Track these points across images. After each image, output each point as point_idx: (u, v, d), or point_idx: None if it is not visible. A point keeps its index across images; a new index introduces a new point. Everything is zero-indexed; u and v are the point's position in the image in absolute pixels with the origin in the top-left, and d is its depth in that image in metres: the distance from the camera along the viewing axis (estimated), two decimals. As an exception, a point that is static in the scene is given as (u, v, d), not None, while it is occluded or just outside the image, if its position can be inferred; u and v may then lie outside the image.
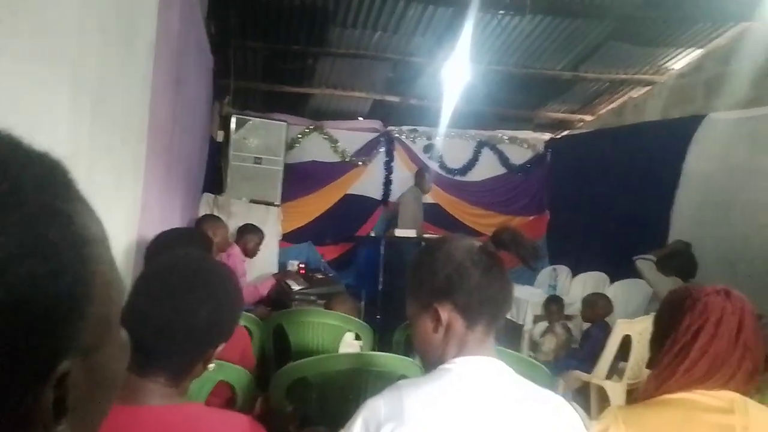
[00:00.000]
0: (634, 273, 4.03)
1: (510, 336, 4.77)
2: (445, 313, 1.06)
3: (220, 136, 5.23)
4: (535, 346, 4.02)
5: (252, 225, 4.13)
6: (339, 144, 6.08)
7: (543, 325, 4.09)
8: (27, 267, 0.33)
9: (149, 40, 2.13)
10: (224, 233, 3.35)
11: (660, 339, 1.23)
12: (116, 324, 0.44)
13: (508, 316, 4.88)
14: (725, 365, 1.14)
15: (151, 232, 2.18)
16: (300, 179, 5.76)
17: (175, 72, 2.85)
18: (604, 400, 3.25)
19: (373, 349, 2.70)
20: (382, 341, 3.07)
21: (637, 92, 5.65)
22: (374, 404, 1.01)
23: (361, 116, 6.45)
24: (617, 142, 5.48)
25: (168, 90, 2.71)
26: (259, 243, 4.06)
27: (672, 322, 1.20)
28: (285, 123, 5.38)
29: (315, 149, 6.03)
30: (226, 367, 1.71)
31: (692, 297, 1.20)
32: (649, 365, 1.26)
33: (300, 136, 5.98)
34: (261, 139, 5.31)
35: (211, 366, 1.10)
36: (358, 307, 4.39)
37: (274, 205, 5.13)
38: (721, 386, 1.15)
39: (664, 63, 5.11)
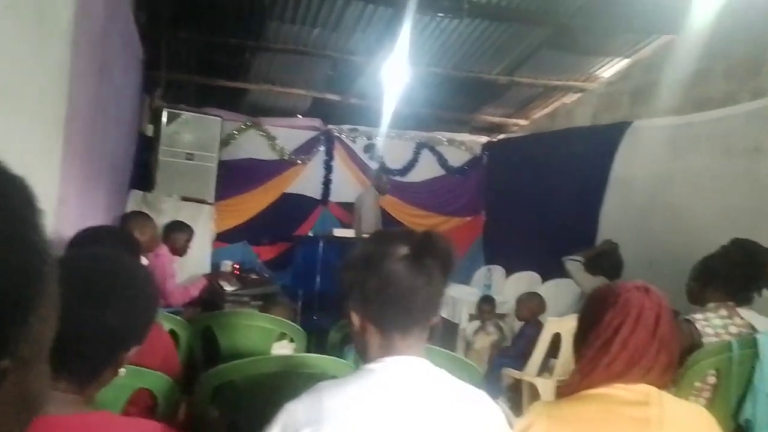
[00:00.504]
0: (565, 273, 4.17)
1: (446, 335, 4.83)
2: (357, 318, 1.05)
3: (149, 130, 5.00)
4: (468, 345, 4.08)
5: (179, 222, 3.93)
6: (277, 141, 5.95)
7: (476, 324, 4.15)
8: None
9: (66, 21, 1.98)
10: (152, 232, 3.18)
11: (584, 334, 1.25)
12: (48, 345, 0.47)
13: (445, 315, 4.94)
14: (643, 358, 1.17)
15: (71, 227, 2.04)
16: (235, 177, 5.59)
17: (99, 59, 2.69)
18: (535, 396, 3.33)
19: (307, 352, 2.64)
20: (320, 342, 3.02)
21: (569, 98, 5.87)
22: (293, 408, 0.97)
23: (300, 114, 6.36)
24: (550, 147, 5.66)
25: (89, 78, 2.54)
26: (189, 240, 3.87)
27: (595, 318, 1.23)
28: (220, 118, 5.21)
29: (252, 146, 5.88)
30: (145, 374, 1.60)
31: (614, 293, 1.23)
32: (575, 352, 1.29)
33: (236, 132, 5.81)
34: (194, 135, 5.11)
35: (122, 371, 1.02)
36: (294, 309, 4.32)
37: (207, 203, 4.95)
38: (640, 379, 1.19)
39: (594, 71, 5.33)
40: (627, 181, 4.64)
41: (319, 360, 1.94)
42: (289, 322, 2.64)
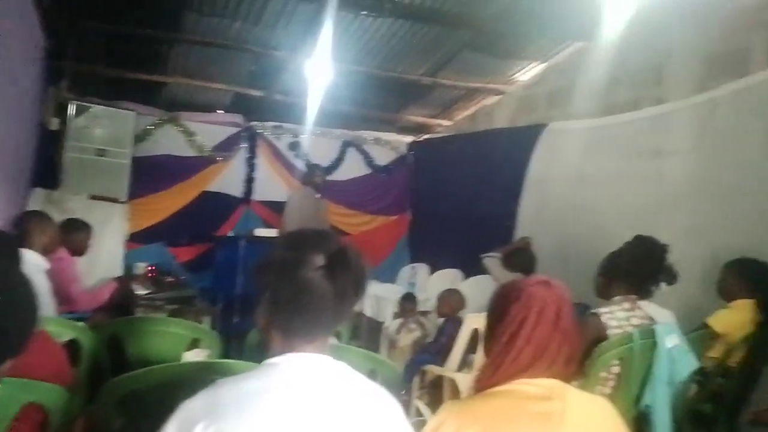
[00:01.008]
0: (485, 270, 4.29)
1: (371, 333, 4.84)
2: (263, 319, 1.07)
3: (54, 124, 4.66)
4: (392, 343, 4.11)
5: (74, 220, 3.58)
6: (196, 137, 5.71)
7: (398, 321, 4.19)
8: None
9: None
10: (52, 233, 2.94)
11: (491, 330, 1.27)
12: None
13: (370, 314, 4.94)
14: (547, 351, 1.21)
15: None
16: (151, 174, 5.33)
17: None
18: (455, 392, 3.39)
19: (226, 357, 2.55)
20: (240, 347, 2.93)
21: (489, 100, 6.04)
22: (190, 404, 0.97)
23: (221, 109, 6.15)
24: (472, 147, 5.81)
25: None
26: (88, 239, 3.55)
27: (500, 313, 1.25)
28: (133, 112, 4.95)
29: (169, 142, 5.61)
30: (33, 387, 1.48)
31: (517, 289, 1.26)
32: (484, 349, 1.31)
33: (152, 127, 5.52)
34: (105, 129, 4.83)
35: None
36: (213, 312, 4.17)
37: (120, 202, 4.69)
38: (545, 372, 1.22)
39: (513, 74, 5.52)
40: (543, 180, 4.84)
41: (231, 365, 1.86)
42: (203, 326, 2.54)
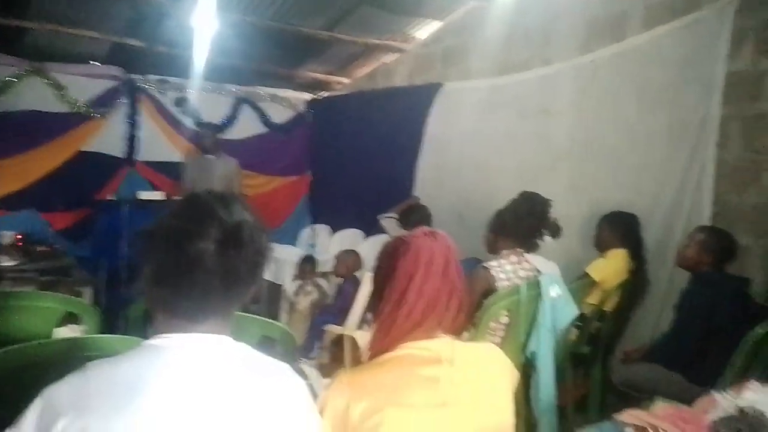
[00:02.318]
0: (383, 229, 4.32)
1: (271, 297, 4.75)
2: (146, 294, 0.95)
3: None
4: (292, 306, 4.05)
5: None
6: (68, 91, 5.13)
7: (297, 284, 4.13)
8: None
9: None
10: None
11: (380, 290, 1.24)
12: None
13: (269, 278, 4.83)
14: (438, 304, 1.19)
15: None
16: (15, 132, 4.76)
17: None
18: (357, 349, 3.42)
19: (108, 332, 2.35)
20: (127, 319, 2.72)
21: (388, 58, 5.97)
22: (55, 391, 0.85)
23: (96, 61, 5.56)
24: (371, 106, 5.74)
25: None
26: None
27: (389, 269, 1.22)
28: (-11, 61, 4.33)
29: (35, 97, 5.00)
30: None
31: (405, 243, 1.23)
32: (373, 313, 1.27)
33: (13, 79, 4.89)
34: (-47, 80, 4.19)
35: None
36: (93, 283, 3.86)
37: (-24, 164, 4.14)
38: (436, 326, 1.21)
39: (411, 32, 5.47)
40: (440, 139, 4.91)
41: (107, 341, 1.70)
42: (78, 299, 2.31)
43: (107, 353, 1.74)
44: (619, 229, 3.22)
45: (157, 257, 0.92)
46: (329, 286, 4.24)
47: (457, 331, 1.28)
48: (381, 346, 1.24)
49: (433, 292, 1.20)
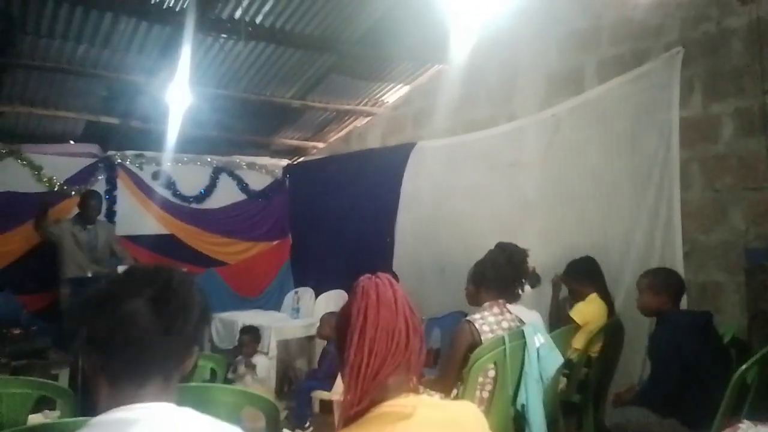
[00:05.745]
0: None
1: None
2: (87, 366, 0.91)
3: None
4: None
5: None
6: (44, 171, 5.14)
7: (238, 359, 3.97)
8: None
9: None
10: None
11: (342, 338, 1.23)
12: None
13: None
14: (396, 334, 1.18)
15: None
16: (-9, 214, 4.70)
17: None
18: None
19: (83, 415, 2.27)
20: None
21: (360, 122, 6.16)
22: None
23: (72, 139, 5.61)
24: (347, 168, 5.86)
25: None
26: None
27: (346, 316, 1.23)
28: (-37, 146, 4.34)
29: (11, 178, 4.99)
30: None
31: (353, 289, 1.25)
32: (341, 371, 1.25)
33: (-12, 162, 4.90)
34: (-73, 168, 4.18)
35: None
36: (72, 364, 3.73)
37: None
38: (405, 367, 1.18)
39: (380, 96, 5.68)
40: (415, 195, 5.00)
41: (68, 425, 1.65)
42: (51, 382, 2.24)
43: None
44: (581, 274, 3.29)
45: (91, 322, 0.91)
46: (268, 366, 3.96)
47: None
48: (354, 397, 1.21)
49: (390, 320, 1.19)
